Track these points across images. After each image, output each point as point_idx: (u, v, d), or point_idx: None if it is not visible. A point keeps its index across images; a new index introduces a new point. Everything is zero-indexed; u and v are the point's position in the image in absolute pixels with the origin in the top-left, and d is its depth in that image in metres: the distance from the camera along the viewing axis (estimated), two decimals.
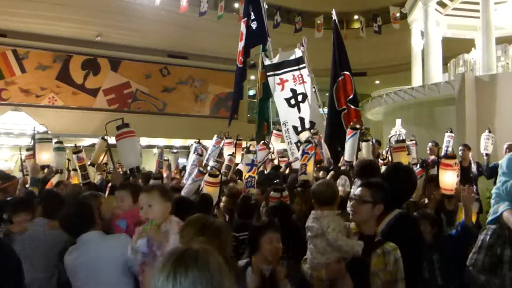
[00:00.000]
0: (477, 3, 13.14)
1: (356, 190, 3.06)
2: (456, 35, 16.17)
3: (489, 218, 3.48)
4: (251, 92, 26.95)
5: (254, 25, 9.58)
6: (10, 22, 18.76)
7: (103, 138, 6.94)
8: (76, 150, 6.67)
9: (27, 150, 5.99)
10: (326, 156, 6.67)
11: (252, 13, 9.55)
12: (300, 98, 8.94)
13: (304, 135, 7.04)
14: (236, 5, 21.30)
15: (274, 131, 8.41)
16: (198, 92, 23.62)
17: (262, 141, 7.61)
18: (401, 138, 5.46)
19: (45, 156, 5.49)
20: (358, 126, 5.88)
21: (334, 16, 8.70)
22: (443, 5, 15.40)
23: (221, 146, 7.38)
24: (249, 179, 5.32)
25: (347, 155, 5.73)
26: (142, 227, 2.72)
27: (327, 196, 3.17)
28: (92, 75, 20.73)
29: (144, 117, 20.69)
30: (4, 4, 17.81)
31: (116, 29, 20.29)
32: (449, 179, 4.11)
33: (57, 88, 19.94)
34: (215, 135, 7.70)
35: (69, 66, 20.23)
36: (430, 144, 7.77)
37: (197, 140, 7.46)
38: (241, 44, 9.75)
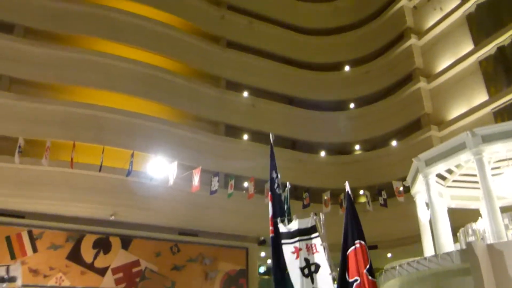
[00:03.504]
0: (475, 175, 13.78)
1: None
2: (460, 205, 16.51)
3: None
4: (262, 269, 26.39)
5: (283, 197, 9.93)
6: (29, 204, 19.67)
7: None
8: None
9: None
10: None
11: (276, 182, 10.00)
12: (313, 268, 8.85)
13: None
14: (246, 183, 22.43)
15: None
16: (208, 269, 23.18)
17: None
18: None
19: None
20: None
21: (348, 188, 9.18)
22: (443, 177, 16.11)
23: None
24: None
25: None
26: None
27: None
28: (103, 253, 20.78)
29: None
30: (26, 187, 18.99)
31: (130, 208, 21.06)
32: None
33: (66, 267, 19.84)
34: None
35: (80, 245, 20.45)
36: None
37: None
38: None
